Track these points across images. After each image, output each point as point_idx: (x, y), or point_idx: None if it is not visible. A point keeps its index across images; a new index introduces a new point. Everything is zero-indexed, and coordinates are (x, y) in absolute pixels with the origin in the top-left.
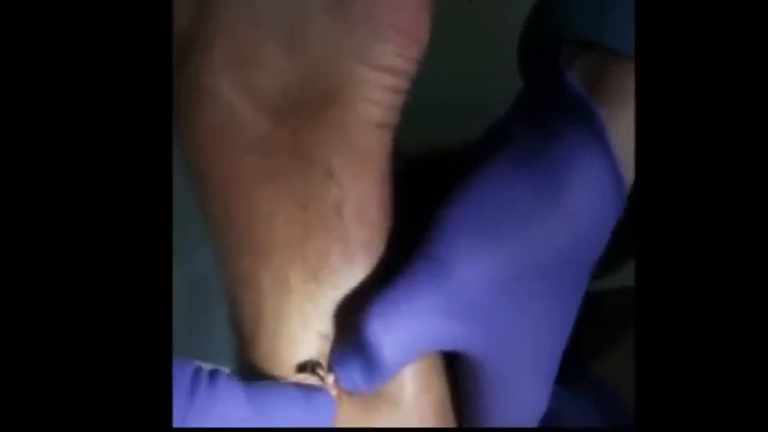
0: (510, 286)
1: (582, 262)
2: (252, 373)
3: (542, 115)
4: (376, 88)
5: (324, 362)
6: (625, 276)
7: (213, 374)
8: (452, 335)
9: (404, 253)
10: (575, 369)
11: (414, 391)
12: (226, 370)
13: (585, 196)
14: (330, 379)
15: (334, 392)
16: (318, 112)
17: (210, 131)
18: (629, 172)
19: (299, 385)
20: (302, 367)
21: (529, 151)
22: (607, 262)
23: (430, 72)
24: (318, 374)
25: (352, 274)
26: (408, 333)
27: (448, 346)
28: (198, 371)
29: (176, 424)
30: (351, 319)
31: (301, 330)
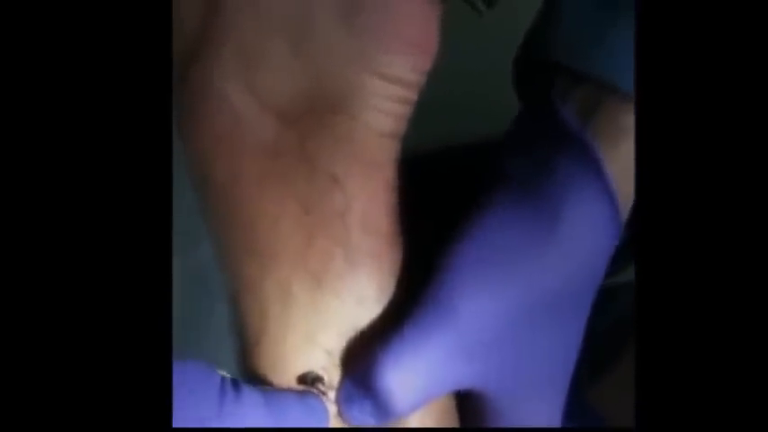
0: (515, 323)
1: (582, 291)
2: (254, 379)
3: (538, 149)
4: (384, 98)
5: (325, 375)
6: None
7: (236, 382)
8: (463, 376)
9: (415, 263)
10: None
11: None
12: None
13: (583, 231)
14: (331, 395)
15: (333, 409)
16: (325, 118)
17: (217, 133)
18: (626, 203)
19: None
20: (303, 379)
21: (526, 188)
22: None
23: (434, 78)
24: (318, 389)
25: (355, 282)
26: (420, 380)
27: (460, 387)
28: (224, 379)
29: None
30: (360, 359)
31: (304, 341)
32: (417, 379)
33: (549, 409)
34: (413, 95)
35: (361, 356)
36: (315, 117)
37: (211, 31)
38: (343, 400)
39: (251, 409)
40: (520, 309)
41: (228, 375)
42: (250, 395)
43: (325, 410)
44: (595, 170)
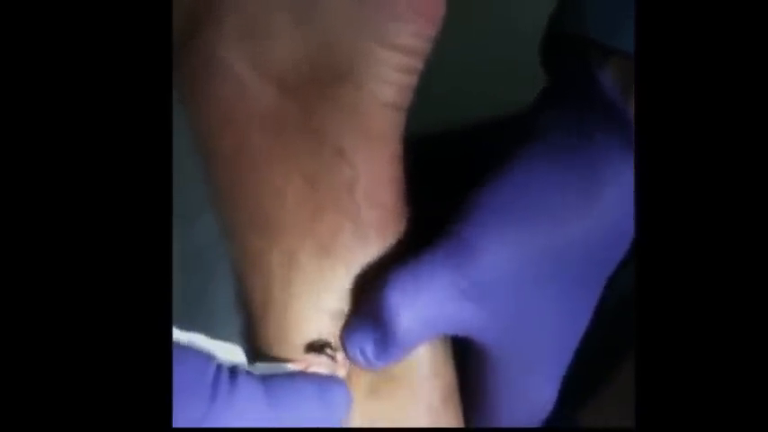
0: (531, 278)
1: (604, 263)
2: (260, 351)
3: (575, 114)
4: (389, 68)
5: (333, 341)
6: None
7: (233, 373)
8: (469, 317)
9: (421, 233)
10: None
11: (424, 376)
12: (243, 366)
13: (616, 200)
14: (340, 357)
15: (343, 371)
16: (330, 89)
17: (221, 105)
18: None
19: (313, 377)
20: (311, 347)
21: (562, 149)
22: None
23: (437, 56)
24: (327, 354)
25: (364, 253)
26: (426, 308)
27: (462, 329)
28: (219, 370)
29: (193, 423)
30: (367, 292)
31: (311, 309)
32: (425, 306)
33: (550, 376)
34: (418, 64)
35: (370, 290)
36: (319, 88)
37: (213, 2)
38: (347, 335)
39: (248, 402)
40: (538, 263)
41: (226, 363)
42: (247, 386)
43: (347, 398)
44: (631, 139)
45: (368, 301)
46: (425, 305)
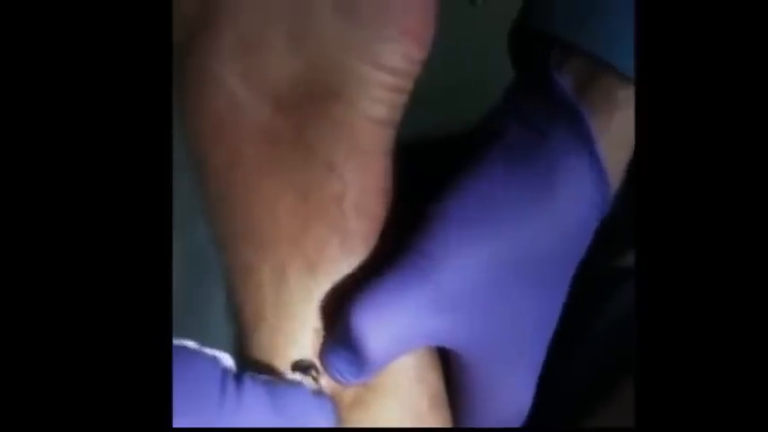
0: (496, 283)
1: (566, 260)
2: (250, 363)
3: (533, 115)
4: (379, 88)
5: (318, 362)
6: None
7: (239, 377)
8: (439, 329)
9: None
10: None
11: (408, 382)
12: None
13: (572, 200)
14: (323, 381)
15: (328, 387)
16: (322, 106)
17: (214, 118)
18: (614, 177)
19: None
20: (296, 366)
21: (519, 151)
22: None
23: (431, 66)
24: (311, 376)
25: (350, 266)
26: (395, 326)
27: (434, 341)
28: (225, 374)
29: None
30: (340, 310)
31: (300, 325)
32: (391, 325)
33: (526, 376)
34: (408, 84)
35: (341, 311)
36: (311, 104)
37: (210, 15)
38: (323, 357)
39: (253, 407)
40: (502, 268)
41: (231, 366)
42: (253, 391)
43: (332, 412)
44: (585, 140)
45: (339, 323)
46: (394, 323)
